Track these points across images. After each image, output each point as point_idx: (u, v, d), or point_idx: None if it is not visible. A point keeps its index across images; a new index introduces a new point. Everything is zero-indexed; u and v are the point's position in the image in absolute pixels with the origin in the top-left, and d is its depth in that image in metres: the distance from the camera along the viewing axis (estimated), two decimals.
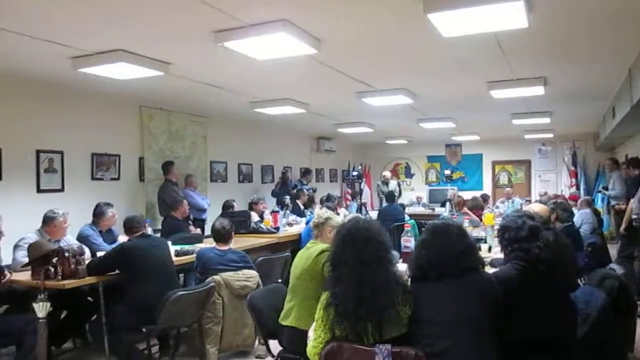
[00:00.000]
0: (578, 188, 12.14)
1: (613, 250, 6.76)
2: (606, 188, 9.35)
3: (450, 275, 2.33)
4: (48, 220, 4.47)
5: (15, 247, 4.30)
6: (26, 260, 3.93)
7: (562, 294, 2.64)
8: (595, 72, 5.81)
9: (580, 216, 6.83)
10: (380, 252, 2.38)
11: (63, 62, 4.78)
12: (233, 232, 4.58)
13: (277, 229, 6.79)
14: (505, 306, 2.39)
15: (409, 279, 2.51)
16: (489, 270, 3.18)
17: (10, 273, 3.90)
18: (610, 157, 9.76)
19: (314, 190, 10.11)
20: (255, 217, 6.90)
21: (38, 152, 5.83)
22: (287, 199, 8.50)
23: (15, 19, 3.69)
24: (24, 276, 3.86)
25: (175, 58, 4.87)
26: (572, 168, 12.70)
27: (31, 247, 3.88)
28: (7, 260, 4.22)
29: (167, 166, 7.22)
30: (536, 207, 4.34)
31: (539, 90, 6.32)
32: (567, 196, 9.18)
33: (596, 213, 7.75)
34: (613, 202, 8.95)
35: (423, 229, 2.69)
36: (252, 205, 7.68)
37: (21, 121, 5.65)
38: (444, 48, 4.56)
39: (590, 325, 2.62)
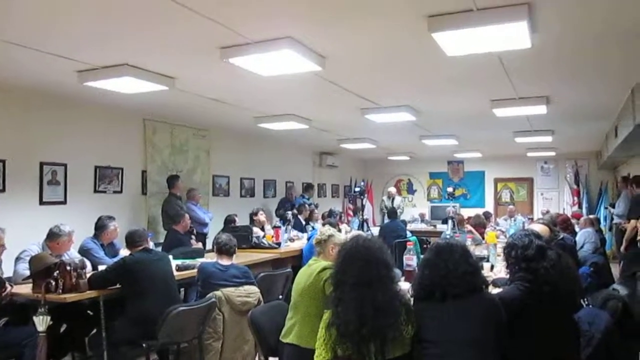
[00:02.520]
0: (580, 206, 12.12)
1: (615, 269, 6.73)
2: (613, 205, 9.34)
3: (454, 296, 2.32)
4: (53, 236, 4.43)
5: (17, 259, 4.28)
6: (27, 272, 3.92)
7: (565, 315, 2.62)
8: (598, 92, 5.83)
9: (583, 235, 6.80)
10: (380, 271, 2.37)
11: (69, 76, 4.81)
12: (236, 248, 4.57)
13: (279, 244, 6.78)
14: (509, 327, 2.37)
15: (412, 298, 2.50)
16: (492, 290, 3.17)
17: (11, 286, 3.89)
18: (623, 175, 9.74)
19: (316, 206, 10.10)
20: (258, 232, 6.87)
21: (42, 164, 5.84)
22: (289, 214, 8.49)
23: (22, 32, 3.72)
24: (25, 289, 3.85)
25: (180, 73, 4.90)
26: (575, 186, 12.70)
27: (33, 260, 3.87)
28: (8, 273, 4.21)
29: (172, 180, 7.23)
30: (537, 227, 4.30)
31: (541, 109, 6.34)
32: (569, 214, 9.15)
33: (600, 232, 7.73)
34: (617, 220, 8.93)
35: (425, 246, 2.69)
36: (252, 217, 7.64)
37: (25, 133, 5.67)
38: (447, 66, 4.58)
39: (594, 347, 2.60)
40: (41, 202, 5.84)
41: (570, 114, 7.17)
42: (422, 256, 2.63)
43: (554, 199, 13.20)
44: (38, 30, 3.70)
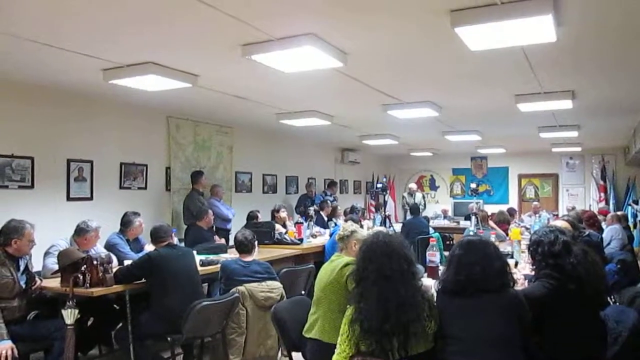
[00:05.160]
0: (607, 203, 11.90)
1: None
2: (637, 202, 9.14)
3: (483, 291, 2.30)
4: (80, 232, 4.51)
5: (46, 254, 4.37)
6: (56, 267, 4.00)
7: (592, 312, 2.59)
8: (625, 85, 5.70)
9: (610, 232, 6.67)
10: (402, 266, 2.37)
11: (94, 74, 4.89)
12: (256, 243, 4.60)
13: (301, 240, 6.80)
14: (534, 324, 2.35)
15: (436, 294, 2.49)
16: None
17: (41, 280, 4.00)
18: None
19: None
20: (280, 229, 6.89)
21: (69, 161, 5.97)
22: (311, 210, 8.51)
23: (48, 31, 3.79)
24: (54, 283, 3.94)
25: (203, 70, 4.94)
26: (601, 182, 12.46)
27: (61, 255, 3.95)
28: (37, 267, 4.30)
29: (196, 176, 7.31)
30: (558, 224, 4.23)
31: (567, 104, 6.23)
32: (596, 211, 8.99)
33: (627, 228, 7.57)
34: None
35: (448, 242, 2.68)
36: (274, 214, 7.68)
37: (53, 131, 5.79)
38: (470, 61, 4.53)
39: (621, 345, 2.56)
40: (68, 198, 5.96)
41: (597, 109, 7.03)
42: (445, 253, 2.62)
43: (579, 195, 12.99)
44: (63, 30, 3.76)
